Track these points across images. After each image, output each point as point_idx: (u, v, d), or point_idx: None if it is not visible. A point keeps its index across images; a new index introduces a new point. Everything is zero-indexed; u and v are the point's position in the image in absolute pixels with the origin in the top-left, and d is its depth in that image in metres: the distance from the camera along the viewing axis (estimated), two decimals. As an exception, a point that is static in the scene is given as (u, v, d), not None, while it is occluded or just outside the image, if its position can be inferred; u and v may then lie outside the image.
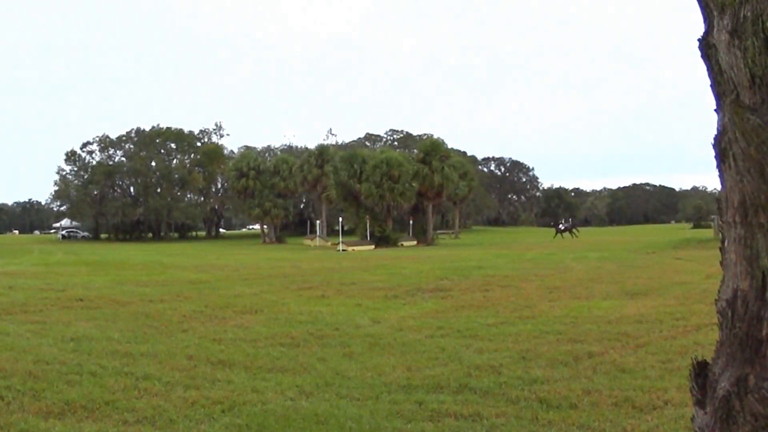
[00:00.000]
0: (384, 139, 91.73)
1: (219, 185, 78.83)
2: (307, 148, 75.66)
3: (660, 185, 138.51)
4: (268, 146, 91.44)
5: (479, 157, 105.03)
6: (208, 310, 11.92)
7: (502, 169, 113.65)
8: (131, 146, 74.00)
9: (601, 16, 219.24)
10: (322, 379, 6.64)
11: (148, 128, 74.41)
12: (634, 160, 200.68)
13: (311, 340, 8.86)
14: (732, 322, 1.96)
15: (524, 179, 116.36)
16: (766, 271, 1.86)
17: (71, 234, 78.22)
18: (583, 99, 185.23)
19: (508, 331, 9.30)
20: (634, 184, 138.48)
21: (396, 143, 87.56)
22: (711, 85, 2.04)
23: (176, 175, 72.66)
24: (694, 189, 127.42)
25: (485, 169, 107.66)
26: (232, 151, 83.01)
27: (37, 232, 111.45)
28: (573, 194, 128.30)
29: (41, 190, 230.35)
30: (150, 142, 73.03)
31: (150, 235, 74.12)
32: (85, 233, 77.67)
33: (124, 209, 70.22)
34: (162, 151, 74.72)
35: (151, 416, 5.39)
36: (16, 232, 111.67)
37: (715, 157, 2.00)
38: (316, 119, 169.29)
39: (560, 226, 60.15)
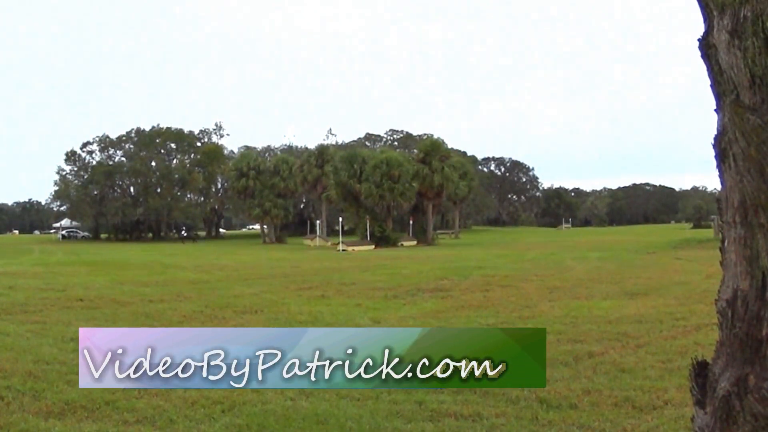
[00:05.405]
0: (384, 139, 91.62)
1: (219, 185, 78.75)
2: (307, 148, 75.60)
3: (660, 185, 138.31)
4: (268, 146, 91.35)
5: (479, 157, 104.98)
6: (208, 310, 11.93)
7: (502, 169, 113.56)
8: (131, 146, 73.89)
9: (601, 16, 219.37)
10: (322, 379, 6.64)
11: (148, 128, 74.28)
12: (634, 160, 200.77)
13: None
14: (732, 322, 1.96)
15: (524, 179, 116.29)
16: (766, 271, 1.86)
17: (71, 234, 78.16)
18: (583, 99, 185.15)
19: (508, 331, 9.29)
20: (634, 184, 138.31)
21: (396, 143, 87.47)
22: (711, 85, 2.04)
23: (176, 175, 72.58)
24: (694, 189, 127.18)
25: (485, 169, 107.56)
26: (232, 151, 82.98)
27: (37, 232, 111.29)
28: (573, 194, 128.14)
29: (41, 190, 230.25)
30: (150, 142, 72.94)
31: (150, 235, 74.11)
32: (85, 233, 77.59)
33: (124, 209, 70.10)
34: (162, 151, 74.63)
35: (151, 416, 5.39)
36: (16, 232, 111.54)
37: (715, 157, 2.00)
38: (316, 119, 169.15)
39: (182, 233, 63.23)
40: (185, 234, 74.21)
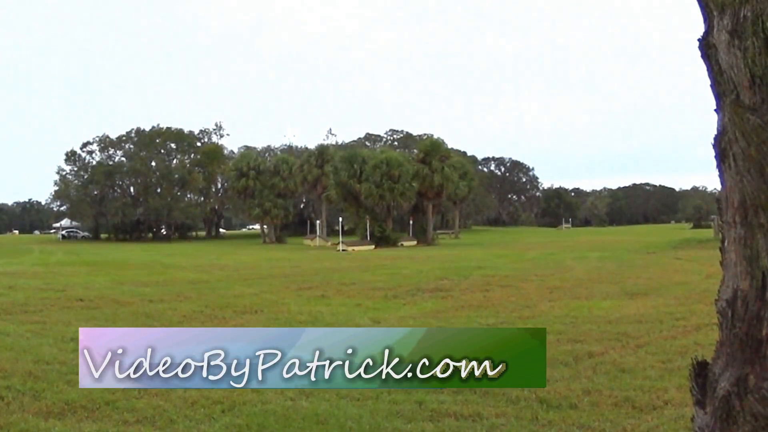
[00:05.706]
0: (384, 139, 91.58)
1: (219, 185, 78.75)
2: (307, 148, 75.54)
3: (660, 185, 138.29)
4: (268, 146, 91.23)
5: (479, 157, 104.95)
6: (208, 310, 11.93)
7: (502, 169, 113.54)
8: (131, 146, 73.87)
9: (601, 16, 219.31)
10: (322, 379, 6.63)
11: (148, 128, 74.26)
12: (634, 160, 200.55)
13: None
14: (732, 322, 1.96)
15: (524, 179, 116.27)
16: (766, 271, 1.86)
17: (71, 234, 78.15)
18: (583, 99, 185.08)
19: (508, 331, 9.29)
20: (634, 184, 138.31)
21: (396, 143, 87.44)
22: (711, 85, 2.04)
23: (176, 175, 72.56)
24: (694, 189, 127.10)
25: (485, 169, 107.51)
26: (232, 151, 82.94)
27: (37, 232, 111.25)
28: (573, 194, 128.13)
29: (41, 190, 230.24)
30: (150, 142, 72.92)
31: (150, 235, 74.13)
32: (85, 233, 77.58)
33: (124, 209, 70.08)
34: (162, 151, 74.61)
35: (151, 416, 5.39)
36: (16, 232, 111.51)
37: (715, 157, 2.00)
38: (316, 119, 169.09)
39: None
40: (164, 233, 74.28)
